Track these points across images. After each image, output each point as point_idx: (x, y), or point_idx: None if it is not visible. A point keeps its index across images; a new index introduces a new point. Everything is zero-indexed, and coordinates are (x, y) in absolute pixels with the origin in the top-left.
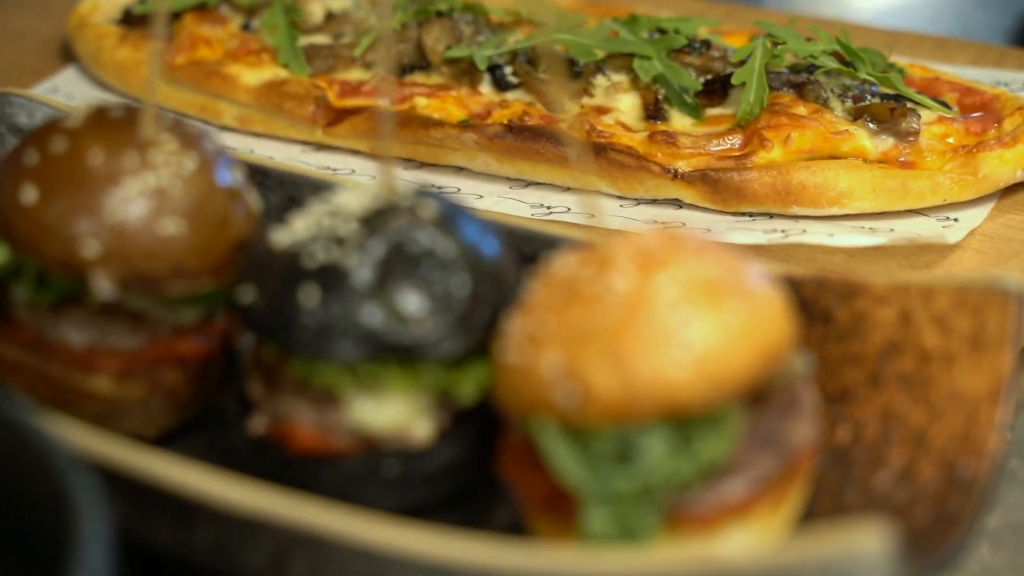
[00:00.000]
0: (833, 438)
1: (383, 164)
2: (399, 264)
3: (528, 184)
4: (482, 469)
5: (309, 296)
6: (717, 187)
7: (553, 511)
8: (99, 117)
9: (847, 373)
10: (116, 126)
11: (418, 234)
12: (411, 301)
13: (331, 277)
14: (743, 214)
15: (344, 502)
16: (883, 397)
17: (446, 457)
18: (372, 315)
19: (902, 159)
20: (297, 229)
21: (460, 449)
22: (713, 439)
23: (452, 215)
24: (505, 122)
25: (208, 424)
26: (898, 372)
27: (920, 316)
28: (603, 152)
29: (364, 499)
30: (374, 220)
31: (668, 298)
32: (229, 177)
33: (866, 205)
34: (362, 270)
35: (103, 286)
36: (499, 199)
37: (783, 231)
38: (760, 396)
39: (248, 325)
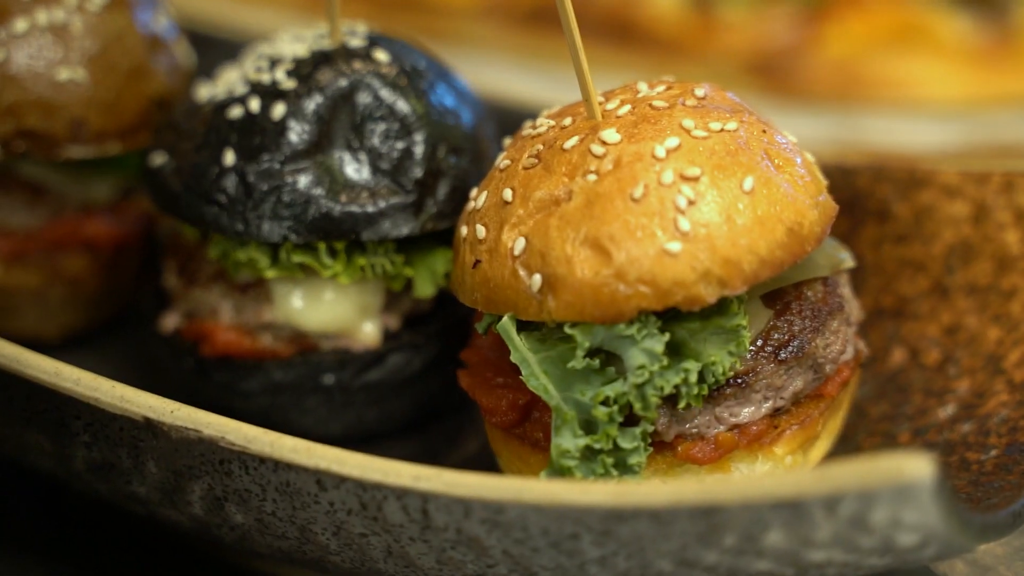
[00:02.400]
0: (886, 361)
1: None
2: (342, 122)
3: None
4: (448, 388)
5: (227, 158)
6: (772, 75)
7: (520, 435)
8: None
9: (907, 282)
10: None
11: (369, 88)
12: (352, 167)
13: (256, 136)
14: (801, 108)
15: (270, 416)
16: (950, 312)
17: (396, 365)
18: (303, 182)
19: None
20: (226, 81)
21: (414, 357)
22: (715, 345)
23: (419, 70)
24: None
25: (127, 326)
26: (970, 281)
27: (1001, 211)
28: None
29: (296, 413)
30: (317, 70)
31: (663, 171)
32: (150, 20)
33: (949, 96)
34: (296, 128)
35: None
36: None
37: (847, 127)
38: (786, 300)
39: (155, 195)
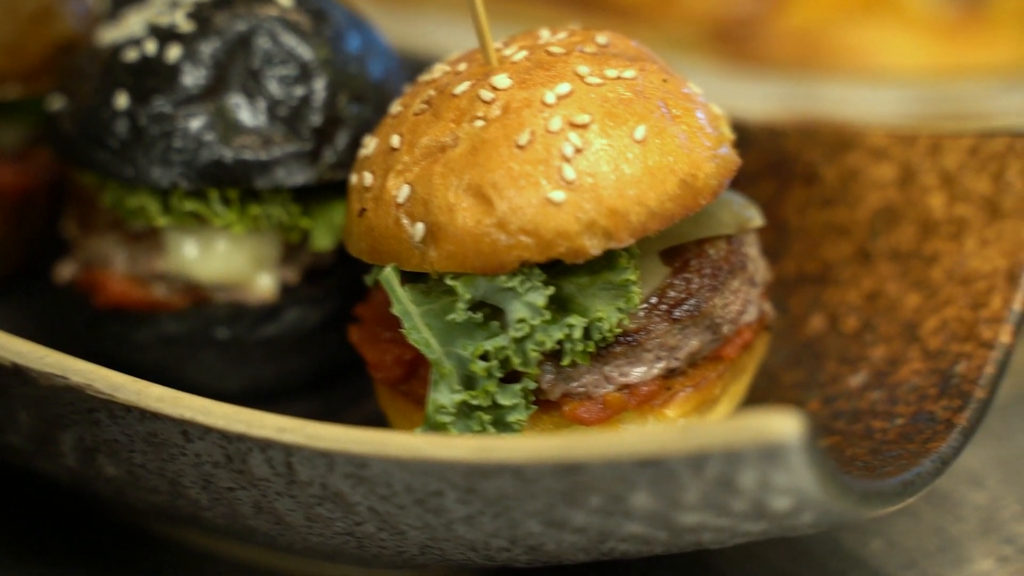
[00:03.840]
0: (805, 328)
1: None
2: (239, 67)
3: None
4: (350, 346)
5: (120, 102)
6: (733, 42)
7: (406, 392)
8: None
9: (831, 247)
10: None
11: (270, 33)
12: (247, 113)
13: (150, 79)
14: (759, 76)
15: (165, 370)
16: (871, 278)
17: (293, 320)
18: (195, 127)
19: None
20: (129, 24)
21: (312, 312)
22: (603, 301)
23: (325, 16)
24: None
25: (33, 278)
26: (893, 246)
27: (926, 174)
28: None
29: (191, 367)
30: (216, 13)
31: (551, 118)
32: None
33: (912, 66)
34: (190, 71)
35: None
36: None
37: (804, 95)
38: (685, 257)
39: (53, 140)
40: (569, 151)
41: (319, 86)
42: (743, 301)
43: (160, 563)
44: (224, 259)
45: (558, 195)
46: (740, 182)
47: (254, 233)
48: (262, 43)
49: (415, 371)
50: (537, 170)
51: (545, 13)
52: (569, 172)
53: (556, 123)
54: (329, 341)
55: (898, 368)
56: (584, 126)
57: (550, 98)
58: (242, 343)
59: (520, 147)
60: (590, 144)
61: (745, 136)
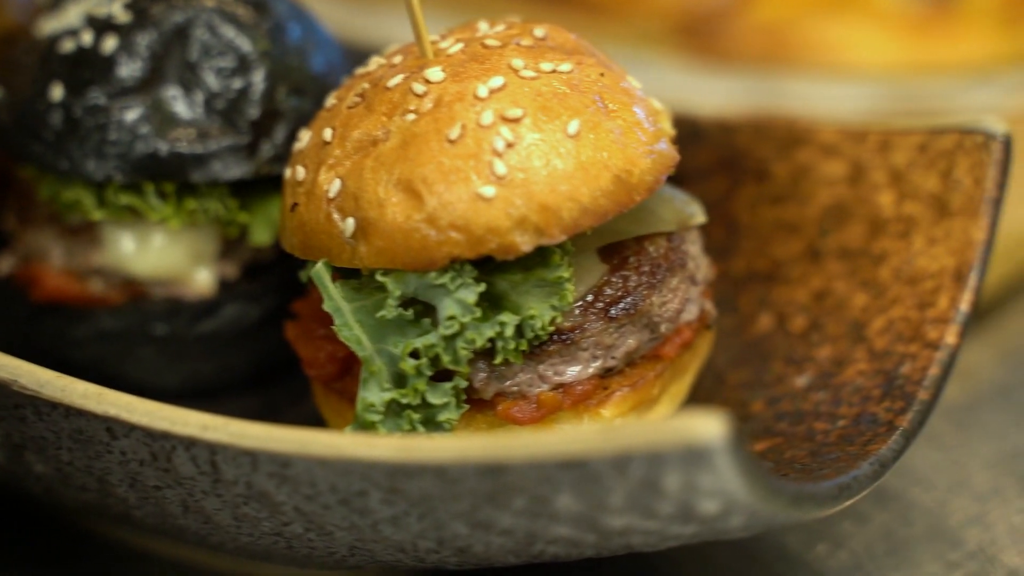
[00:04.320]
0: (753, 327)
1: None
2: (175, 58)
3: None
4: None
5: (55, 93)
6: (699, 37)
7: (340, 390)
8: None
9: (780, 245)
10: None
11: (208, 24)
12: (183, 105)
13: (85, 70)
14: (724, 71)
15: (103, 366)
16: (820, 276)
17: (231, 316)
18: (131, 119)
19: (929, 18)
20: (68, 14)
21: (251, 308)
22: (536, 298)
23: (266, 7)
24: None
25: None
26: (842, 245)
27: (876, 171)
28: None
29: (129, 364)
30: (153, 4)
31: (482, 112)
32: None
33: (880, 62)
34: (126, 62)
35: None
36: None
37: (768, 91)
38: (624, 254)
39: None
40: (500, 146)
41: (258, 78)
42: (682, 299)
43: (98, 563)
44: (161, 254)
45: (488, 190)
46: (692, 178)
47: (191, 227)
48: (200, 34)
49: (349, 369)
50: (467, 165)
51: (512, 7)
52: (500, 167)
53: (488, 117)
54: (269, 337)
55: (843, 369)
56: (516, 120)
57: (482, 92)
58: (180, 339)
59: (451, 141)
60: (522, 138)
61: (696, 131)
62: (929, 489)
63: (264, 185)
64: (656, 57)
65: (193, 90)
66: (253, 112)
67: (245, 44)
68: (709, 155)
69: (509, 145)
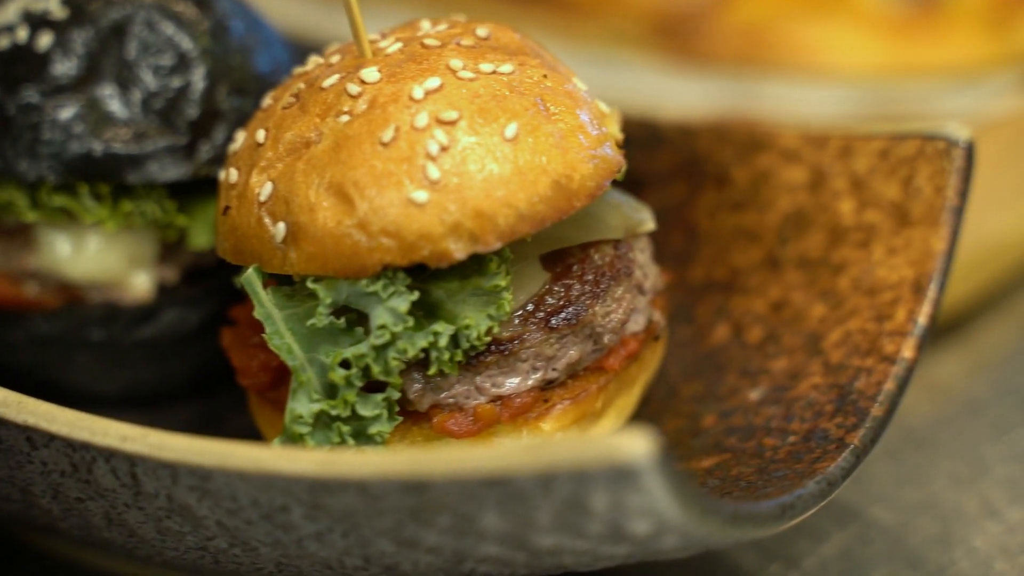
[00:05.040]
0: (710, 337)
1: None
2: (112, 56)
3: None
4: None
5: None
6: (676, 38)
7: (274, 400)
8: None
9: (740, 253)
10: None
11: (147, 22)
12: (119, 105)
13: (19, 67)
14: (701, 73)
15: (39, 372)
16: (779, 286)
17: (170, 322)
18: (64, 118)
19: (912, 19)
20: (6, 11)
21: (190, 314)
22: (472, 307)
23: (209, 5)
24: None
25: None
26: (801, 253)
27: (837, 177)
28: None
29: (66, 369)
30: (92, 1)
31: (417, 114)
32: None
33: (859, 64)
34: (61, 60)
35: None
36: None
37: (745, 93)
38: (568, 263)
39: None
40: (434, 149)
41: (197, 77)
42: (628, 309)
43: (31, 574)
44: (97, 257)
45: (421, 195)
46: (651, 183)
47: (128, 230)
48: (138, 32)
49: (283, 378)
50: (400, 169)
51: (486, 6)
52: (434, 171)
53: (422, 119)
54: (211, 344)
55: (798, 382)
56: (452, 123)
57: (418, 93)
58: (117, 345)
59: (384, 144)
60: (457, 142)
61: (657, 135)
62: (891, 508)
63: (204, 187)
64: (632, 58)
65: (130, 89)
66: (192, 112)
67: (185, 42)
68: (669, 159)
69: (443, 148)
